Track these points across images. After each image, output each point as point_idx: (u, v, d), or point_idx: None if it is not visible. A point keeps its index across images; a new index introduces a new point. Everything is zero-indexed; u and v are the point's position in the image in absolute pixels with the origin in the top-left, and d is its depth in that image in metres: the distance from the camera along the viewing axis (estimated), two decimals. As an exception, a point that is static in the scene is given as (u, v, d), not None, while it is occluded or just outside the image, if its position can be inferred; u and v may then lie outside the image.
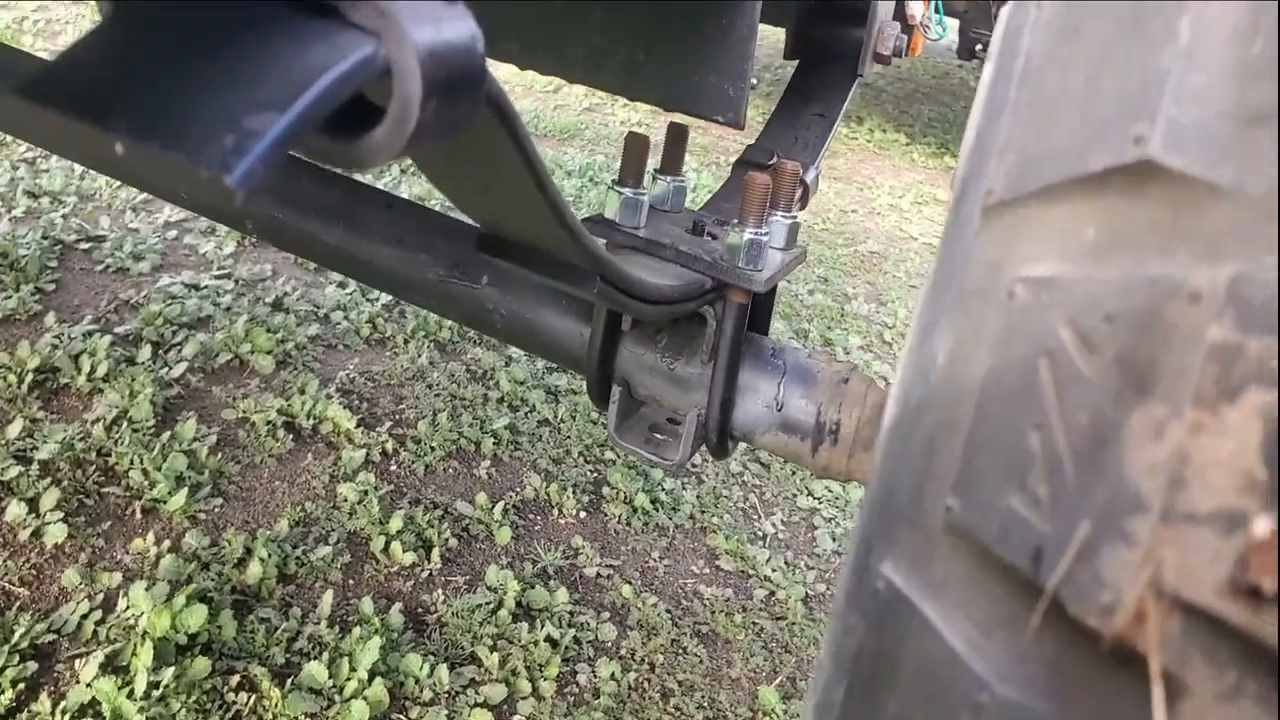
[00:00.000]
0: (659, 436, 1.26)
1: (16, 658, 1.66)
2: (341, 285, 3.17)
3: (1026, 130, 0.42)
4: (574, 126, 5.64)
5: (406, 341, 2.94)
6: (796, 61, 1.66)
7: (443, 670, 1.85)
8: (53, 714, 1.58)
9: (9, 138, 3.68)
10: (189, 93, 0.38)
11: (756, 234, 1.08)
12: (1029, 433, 0.34)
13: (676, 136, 1.21)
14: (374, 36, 0.41)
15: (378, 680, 1.78)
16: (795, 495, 2.71)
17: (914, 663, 0.38)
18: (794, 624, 2.22)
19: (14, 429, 2.16)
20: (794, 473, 2.80)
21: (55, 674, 1.68)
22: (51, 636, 1.73)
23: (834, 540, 2.56)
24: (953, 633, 0.35)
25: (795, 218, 1.18)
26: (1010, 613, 0.34)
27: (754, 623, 2.20)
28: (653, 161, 1.16)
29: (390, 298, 3.16)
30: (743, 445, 1.45)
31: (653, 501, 2.52)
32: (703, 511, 2.55)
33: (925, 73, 9.34)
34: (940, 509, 0.39)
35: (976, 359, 0.40)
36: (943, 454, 0.41)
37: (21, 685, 1.62)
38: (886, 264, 4.64)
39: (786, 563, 2.43)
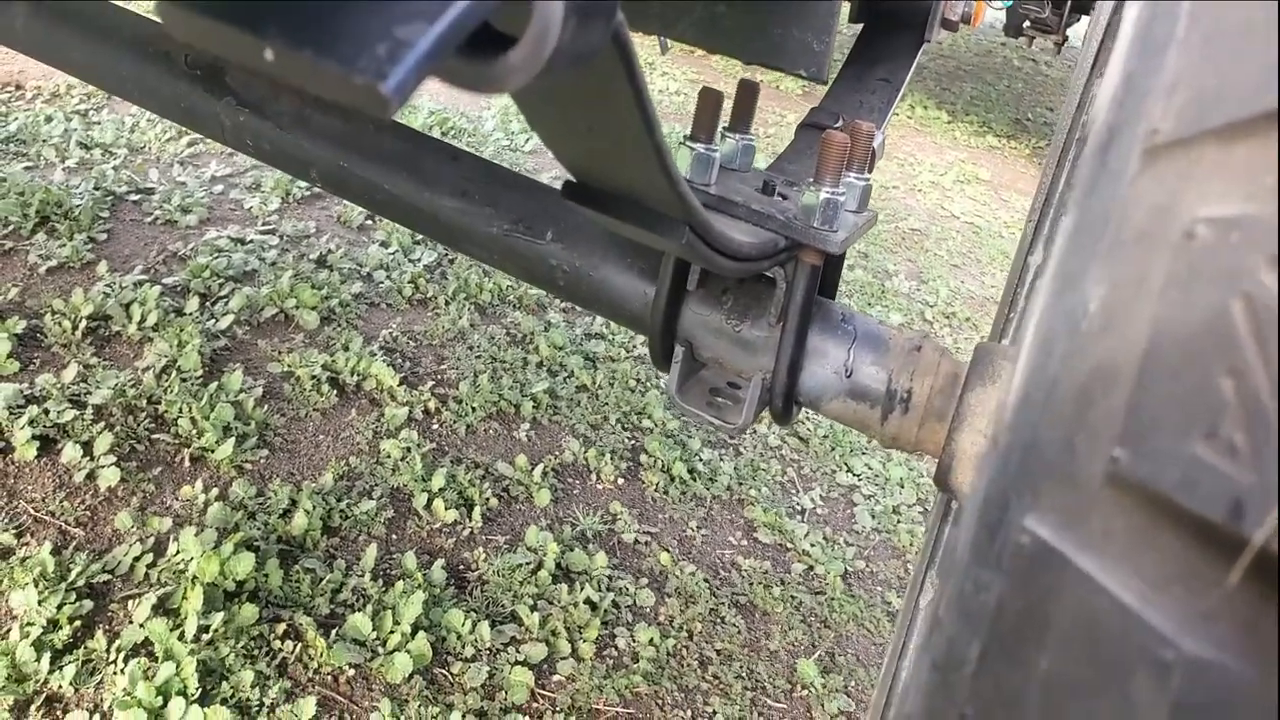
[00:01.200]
0: (720, 400, 1.24)
1: (73, 595, 1.69)
2: (384, 244, 3.18)
3: (1202, 66, 0.40)
4: (615, 94, 5.59)
5: (448, 303, 2.95)
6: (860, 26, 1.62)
7: (484, 627, 1.86)
8: (108, 651, 1.61)
9: (64, 88, 3.70)
10: (337, 1, 0.37)
11: (833, 194, 1.05)
12: (1219, 379, 0.32)
13: (747, 93, 1.19)
14: (516, -48, 0.40)
15: (420, 634, 1.79)
16: (834, 471, 2.70)
17: (1071, 618, 0.36)
18: (833, 599, 2.22)
19: (69, 373, 2.18)
20: (833, 448, 2.78)
21: (109, 613, 1.70)
22: (105, 576, 1.76)
23: (873, 518, 2.54)
24: (1120, 587, 0.34)
25: (868, 180, 1.16)
26: (1188, 566, 0.32)
27: (792, 596, 2.20)
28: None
29: (432, 258, 3.16)
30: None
31: (690, 471, 2.52)
32: (740, 483, 2.54)
33: (968, 50, 9.17)
34: (1100, 460, 0.37)
35: (1141, 305, 0.38)
36: (1100, 404, 0.39)
37: (78, 622, 1.65)
38: (928, 242, 4.58)
39: (825, 538, 2.42)
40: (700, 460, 2.58)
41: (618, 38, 0.50)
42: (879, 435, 1.10)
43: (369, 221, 3.30)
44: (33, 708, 1.50)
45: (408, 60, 0.35)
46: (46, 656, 1.56)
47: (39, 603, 1.63)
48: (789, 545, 2.37)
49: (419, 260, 3.13)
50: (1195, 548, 0.32)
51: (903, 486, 2.71)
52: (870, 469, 2.75)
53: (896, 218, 4.78)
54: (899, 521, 2.57)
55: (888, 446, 1.12)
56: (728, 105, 1.19)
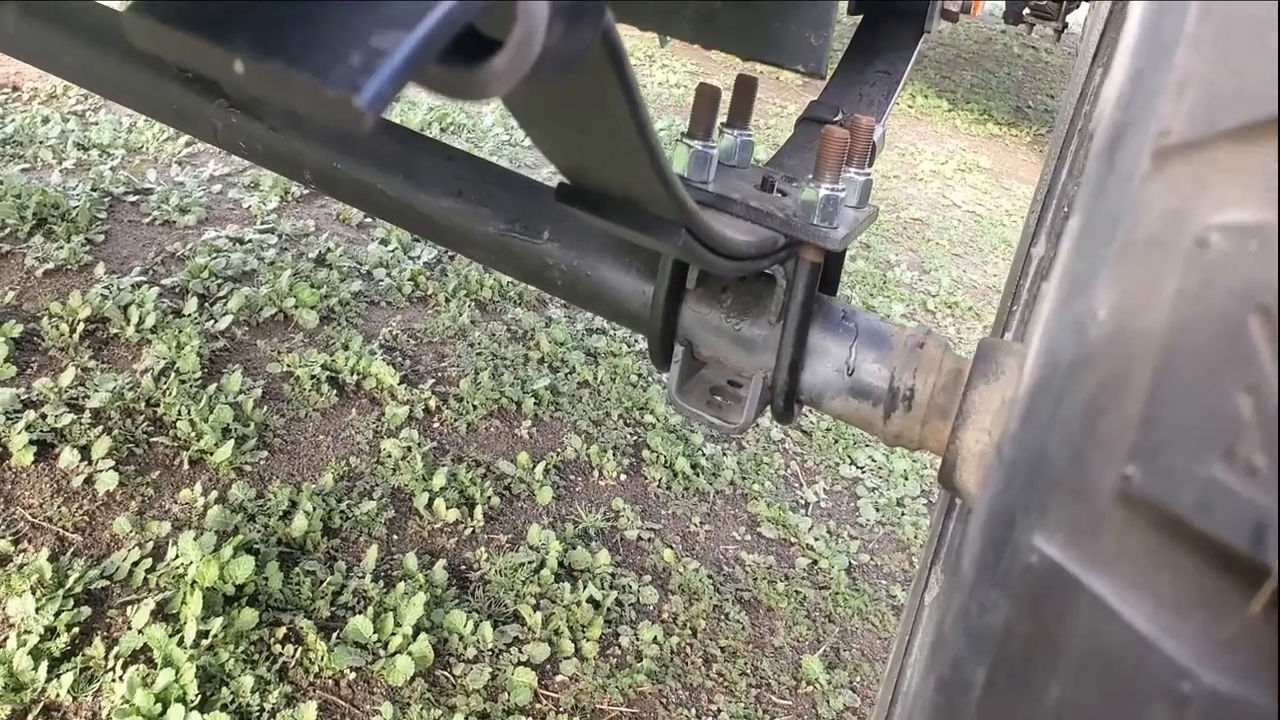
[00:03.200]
0: (721, 399, 1.23)
1: (71, 602, 1.68)
2: (384, 242, 3.16)
3: (1215, 64, 0.38)
4: (614, 86, 5.56)
5: (448, 300, 2.93)
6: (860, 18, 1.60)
7: (486, 628, 1.85)
8: (106, 659, 1.60)
9: (60, 90, 3.68)
10: (311, 9, 0.35)
11: (833, 190, 1.03)
12: (1237, 396, 0.31)
13: (745, 88, 1.17)
14: (499, -44, 0.38)
15: (422, 636, 1.78)
16: (838, 464, 2.68)
17: (1083, 645, 0.35)
18: (837, 594, 2.20)
19: (66, 377, 2.17)
20: (836, 440, 2.77)
21: (108, 619, 1.69)
22: (104, 582, 1.75)
23: (877, 510, 2.53)
24: (1135, 613, 0.32)
25: (869, 174, 1.14)
26: (1208, 592, 0.31)
27: (796, 591, 2.19)
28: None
29: (432, 255, 3.14)
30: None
31: (693, 466, 2.50)
32: (743, 478, 2.53)
33: (967, 38, 9.12)
34: (1111, 477, 0.36)
35: (1153, 315, 0.37)
36: (1110, 418, 0.37)
37: (76, 629, 1.64)
38: (929, 231, 4.56)
39: (829, 532, 2.41)
40: (703, 455, 2.57)
41: (607, 39, 0.48)
42: (882, 434, 1.09)
43: (368, 219, 3.29)
44: (30, 717, 1.50)
45: (383, 71, 0.34)
46: (44, 665, 1.55)
47: (36, 610, 1.62)
48: (793, 540, 2.35)
49: (419, 257, 3.11)
50: (1214, 572, 0.31)
51: (906, 478, 2.70)
52: (874, 461, 2.74)
53: (898, 207, 4.76)
54: (903, 514, 2.56)
55: (891, 445, 1.11)
56: (726, 99, 1.17)
